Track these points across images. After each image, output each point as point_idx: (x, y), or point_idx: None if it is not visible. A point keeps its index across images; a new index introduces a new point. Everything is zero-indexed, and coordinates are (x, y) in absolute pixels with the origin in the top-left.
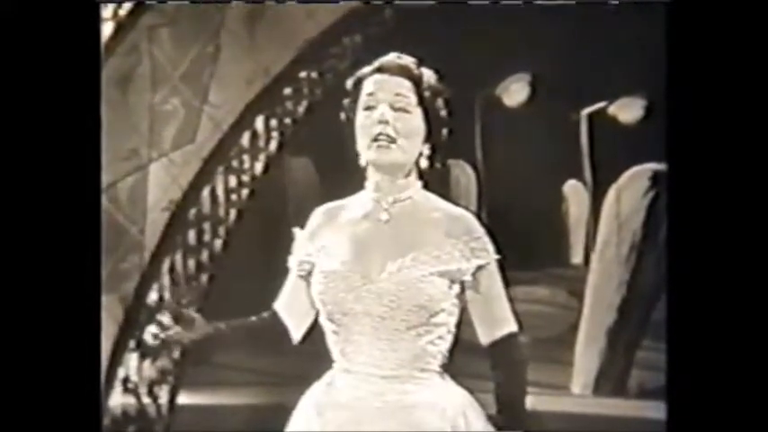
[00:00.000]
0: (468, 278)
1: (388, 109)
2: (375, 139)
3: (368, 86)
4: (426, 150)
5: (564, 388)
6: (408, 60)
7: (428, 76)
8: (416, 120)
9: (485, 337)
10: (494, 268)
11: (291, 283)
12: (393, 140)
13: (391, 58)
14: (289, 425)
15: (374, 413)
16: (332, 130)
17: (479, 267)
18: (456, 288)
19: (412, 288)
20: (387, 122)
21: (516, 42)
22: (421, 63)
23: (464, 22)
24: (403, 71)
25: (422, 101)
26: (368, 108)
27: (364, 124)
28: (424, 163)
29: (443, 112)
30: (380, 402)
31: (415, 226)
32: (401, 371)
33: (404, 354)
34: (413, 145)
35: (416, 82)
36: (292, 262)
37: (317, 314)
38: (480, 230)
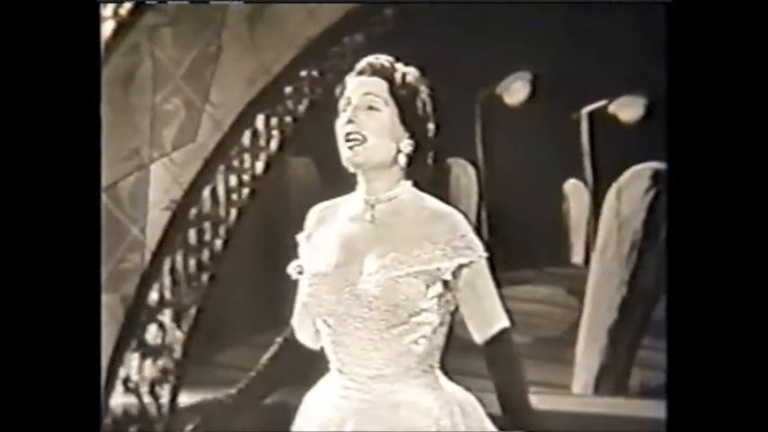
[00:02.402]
0: (449, 277)
1: (355, 109)
2: (346, 140)
3: (347, 90)
4: (405, 147)
5: (565, 387)
6: (384, 60)
7: (405, 73)
8: (387, 118)
9: (478, 336)
10: (481, 266)
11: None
12: (364, 139)
13: (368, 59)
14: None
15: (358, 413)
16: (333, 129)
17: (462, 266)
18: (438, 288)
19: (389, 288)
20: (353, 122)
21: (517, 41)
22: (399, 61)
23: (464, 21)
24: (376, 71)
25: (396, 98)
26: (344, 110)
27: (339, 126)
28: (402, 160)
29: (422, 110)
30: (365, 402)
31: (400, 226)
32: (386, 370)
33: (387, 353)
34: (385, 143)
35: (390, 80)
36: (292, 268)
37: None
38: (466, 228)
